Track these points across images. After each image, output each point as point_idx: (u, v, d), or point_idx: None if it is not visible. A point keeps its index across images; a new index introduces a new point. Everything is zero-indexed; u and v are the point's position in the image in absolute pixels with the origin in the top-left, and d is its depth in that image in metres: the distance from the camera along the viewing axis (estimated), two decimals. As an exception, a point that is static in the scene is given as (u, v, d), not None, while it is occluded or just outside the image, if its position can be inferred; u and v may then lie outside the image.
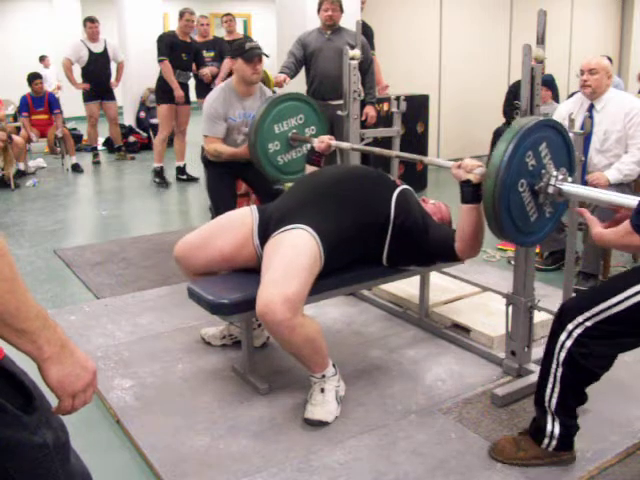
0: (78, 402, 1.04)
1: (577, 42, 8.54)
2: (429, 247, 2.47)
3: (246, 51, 3.39)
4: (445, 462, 2.06)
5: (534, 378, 2.45)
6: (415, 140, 6.06)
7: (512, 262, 3.75)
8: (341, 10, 4.66)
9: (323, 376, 2.31)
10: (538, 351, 2.63)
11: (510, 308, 2.52)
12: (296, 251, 2.24)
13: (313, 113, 3.36)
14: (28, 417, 0.99)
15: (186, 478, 2.02)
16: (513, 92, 6.12)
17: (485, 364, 2.69)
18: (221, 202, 3.67)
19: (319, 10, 4.66)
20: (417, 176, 6.08)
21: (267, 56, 3.51)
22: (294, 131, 3.28)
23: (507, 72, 7.80)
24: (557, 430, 1.97)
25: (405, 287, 3.24)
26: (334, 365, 2.37)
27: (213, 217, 3.85)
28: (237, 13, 15.79)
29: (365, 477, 2.00)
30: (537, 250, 3.10)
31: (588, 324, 1.81)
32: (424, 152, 6.29)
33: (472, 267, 3.62)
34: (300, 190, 2.56)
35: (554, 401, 1.93)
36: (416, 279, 3.00)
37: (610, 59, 7.10)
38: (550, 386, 1.93)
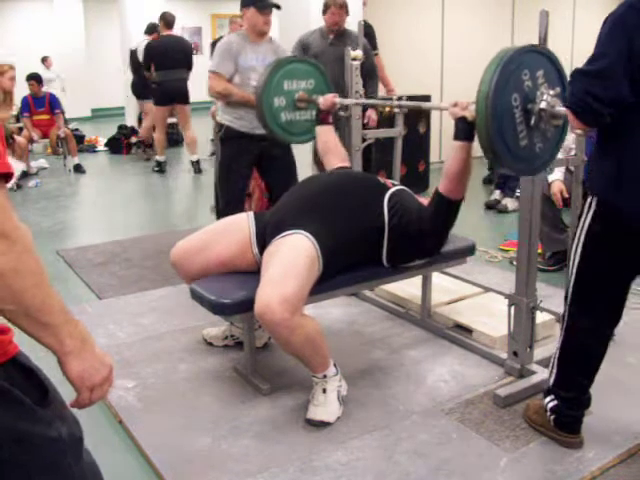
0: (95, 396, 1.06)
1: (579, 43, 8.52)
2: (426, 225, 2.45)
3: (259, 0, 3.40)
4: (447, 463, 2.06)
5: (536, 379, 2.46)
6: (417, 140, 6.06)
7: (514, 263, 3.75)
8: (347, 14, 4.58)
9: (325, 376, 2.32)
10: (540, 352, 2.64)
11: (512, 309, 2.52)
12: (294, 253, 2.26)
13: (323, 83, 3.32)
14: (43, 410, 1.01)
15: (188, 478, 2.02)
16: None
17: (487, 365, 2.69)
18: (232, 184, 3.66)
19: (325, 12, 4.55)
20: (418, 177, 6.08)
21: (279, 7, 3.51)
22: (301, 92, 3.27)
23: (509, 72, 7.79)
24: (552, 404, 2.13)
25: (407, 287, 3.24)
26: (335, 365, 2.37)
27: (219, 215, 3.83)
28: (238, 14, 15.88)
29: (367, 477, 2.00)
30: (539, 251, 3.11)
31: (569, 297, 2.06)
32: (426, 152, 6.29)
33: (474, 268, 3.62)
34: (295, 197, 2.58)
35: (553, 376, 2.13)
36: (418, 279, 3.00)
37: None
38: (552, 361, 2.14)
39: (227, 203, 3.71)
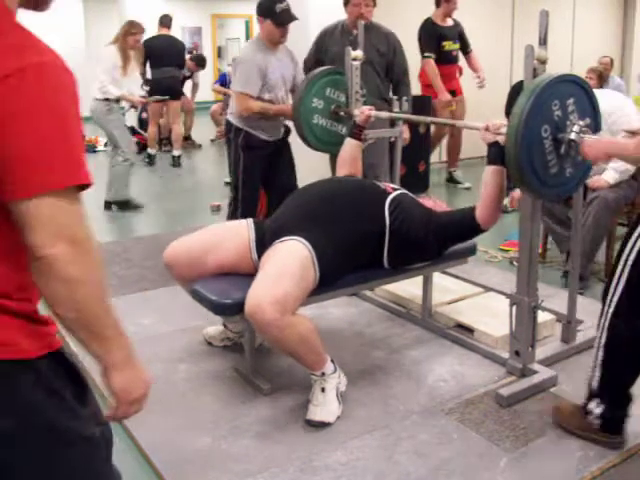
0: (132, 410, 1.08)
1: (579, 43, 8.53)
2: (438, 236, 2.50)
3: (277, 14, 3.39)
4: (447, 463, 2.06)
5: (538, 378, 2.46)
6: (417, 141, 6.04)
7: (514, 263, 3.74)
8: (374, 4, 3.87)
9: (323, 374, 2.32)
10: (542, 351, 2.64)
11: (514, 308, 2.52)
12: (288, 255, 2.28)
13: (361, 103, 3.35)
14: (82, 408, 1.02)
15: (188, 478, 2.02)
16: (515, 92, 6.10)
17: (488, 365, 2.69)
18: (253, 194, 3.72)
19: (346, 3, 3.88)
20: (419, 177, 6.07)
21: (297, 19, 3.50)
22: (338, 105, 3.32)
23: (509, 73, 7.78)
24: (599, 409, 2.08)
25: (408, 287, 3.23)
26: (332, 361, 2.37)
27: (233, 211, 3.80)
28: (238, 14, 15.84)
29: (367, 477, 2.00)
30: (539, 251, 3.09)
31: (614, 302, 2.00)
32: (426, 153, 6.29)
33: (474, 268, 3.61)
34: (295, 205, 2.59)
35: (596, 381, 2.08)
36: (419, 279, 3.00)
37: (612, 60, 7.06)
38: (592, 366, 2.09)
39: (245, 211, 3.70)
